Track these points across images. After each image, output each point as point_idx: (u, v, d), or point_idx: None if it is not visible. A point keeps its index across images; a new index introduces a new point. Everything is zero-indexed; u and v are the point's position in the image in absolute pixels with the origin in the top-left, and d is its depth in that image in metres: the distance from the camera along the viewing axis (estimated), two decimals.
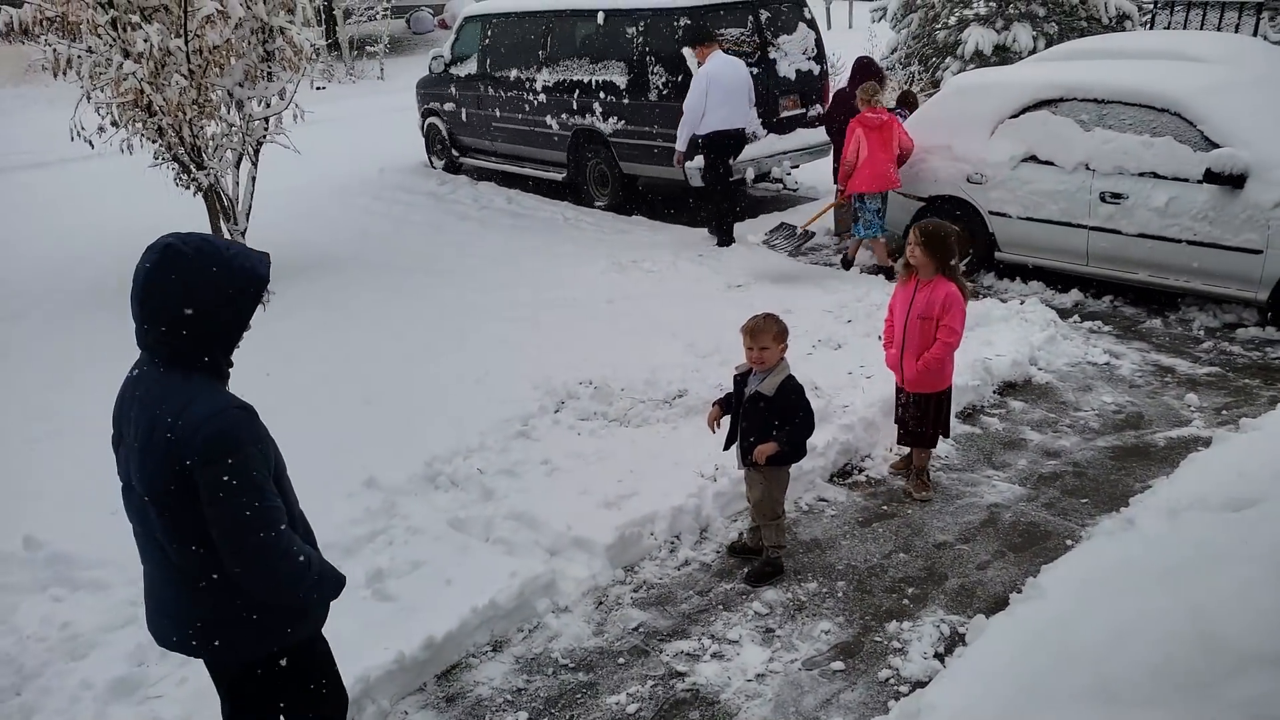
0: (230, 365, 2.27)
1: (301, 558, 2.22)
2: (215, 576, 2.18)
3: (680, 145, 8.01)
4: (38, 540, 4.11)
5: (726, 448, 3.97)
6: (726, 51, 8.10)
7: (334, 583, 2.35)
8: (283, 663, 2.38)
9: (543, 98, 9.96)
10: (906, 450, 4.72)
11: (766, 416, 3.75)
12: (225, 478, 2.06)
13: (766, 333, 3.72)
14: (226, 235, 7.61)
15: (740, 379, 3.86)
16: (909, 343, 4.33)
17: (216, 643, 2.28)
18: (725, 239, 8.24)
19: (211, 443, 2.06)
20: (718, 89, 7.71)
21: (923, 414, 4.43)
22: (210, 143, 7.31)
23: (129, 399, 2.22)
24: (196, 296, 2.10)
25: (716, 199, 8.28)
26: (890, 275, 7.35)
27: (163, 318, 2.12)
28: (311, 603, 2.35)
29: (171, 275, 2.09)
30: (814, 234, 8.01)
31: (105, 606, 3.77)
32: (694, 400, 5.23)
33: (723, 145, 7.95)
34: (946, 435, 4.59)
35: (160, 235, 2.19)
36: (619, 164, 9.40)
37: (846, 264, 7.73)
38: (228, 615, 2.24)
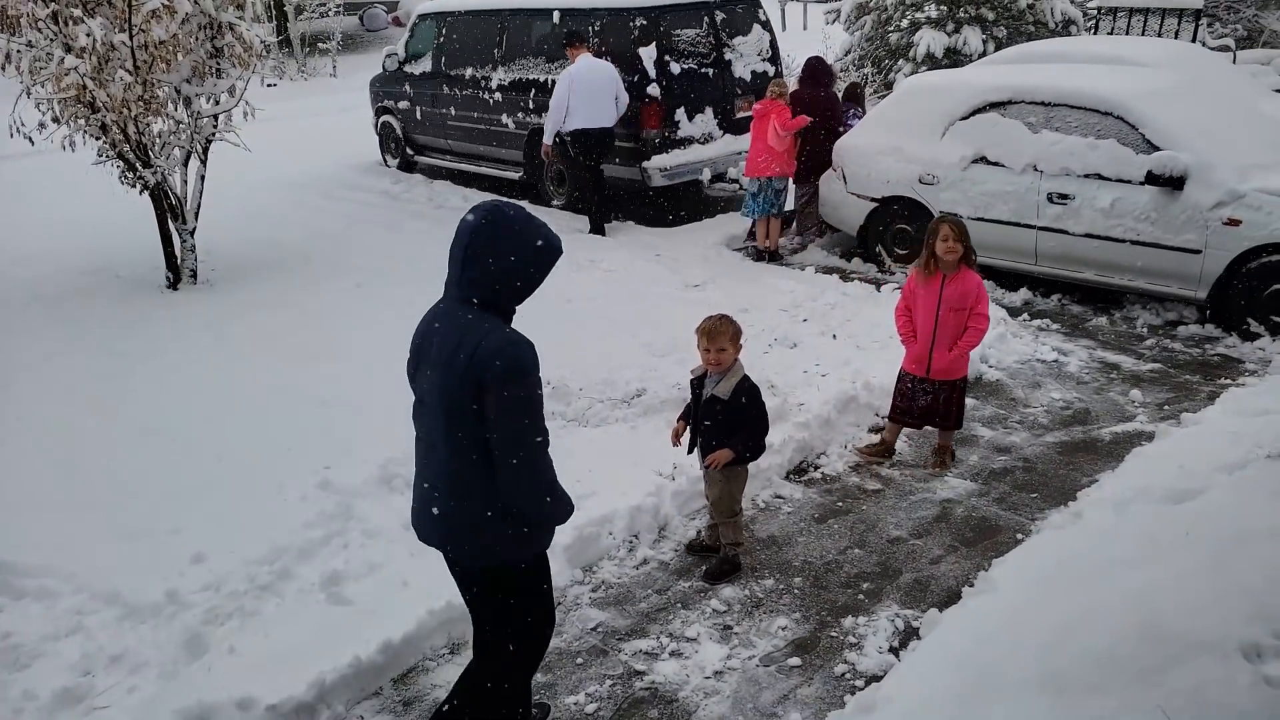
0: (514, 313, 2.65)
1: (554, 476, 2.60)
2: (483, 486, 2.54)
3: (546, 139, 8.46)
4: None
5: (690, 451, 3.98)
6: (603, 55, 8.48)
7: (567, 507, 2.68)
8: (519, 569, 2.72)
9: (498, 96, 9.90)
10: (875, 439, 4.97)
11: (723, 419, 3.78)
12: (515, 396, 2.46)
13: (723, 334, 3.74)
14: (174, 235, 7.47)
15: (697, 382, 3.88)
16: (941, 334, 4.55)
17: (469, 545, 2.65)
18: (597, 228, 8.65)
19: (508, 367, 2.44)
20: (580, 89, 8.12)
21: (951, 398, 4.68)
22: (157, 140, 7.16)
23: (432, 332, 2.61)
24: (513, 256, 2.51)
25: (586, 192, 8.70)
26: (760, 256, 7.99)
27: (480, 267, 2.52)
28: (550, 519, 2.69)
29: (497, 235, 2.50)
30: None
31: (50, 615, 3.69)
32: (652, 399, 5.25)
33: (587, 142, 8.31)
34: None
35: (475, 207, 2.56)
36: None
37: (772, 254, 8.00)
38: (485, 522, 2.59)
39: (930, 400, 4.69)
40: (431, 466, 2.64)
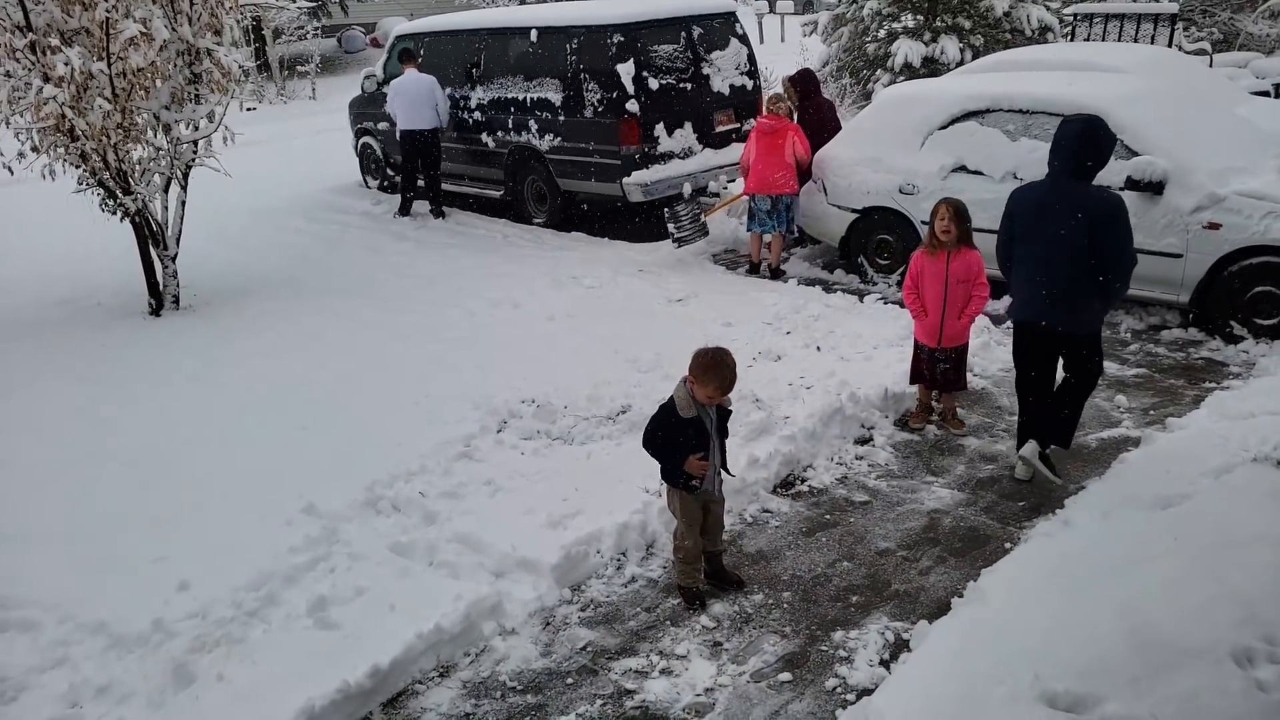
0: None
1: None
2: (1091, 284, 4.16)
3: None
4: None
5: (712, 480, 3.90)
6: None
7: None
8: (1099, 334, 4.43)
9: (478, 115, 9.93)
10: (918, 402, 5.39)
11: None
12: (1124, 232, 4.08)
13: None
14: (156, 261, 7.44)
15: (696, 420, 3.79)
16: (950, 305, 5.06)
17: (1082, 317, 4.28)
18: (404, 211, 10.40)
19: (1116, 212, 4.09)
20: (402, 98, 9.79)
21: (958, 362, 5.18)
22: (137, 167, 7.14)
23: (1048, 200, 4.20)
24: (1105, 147, 4.15)
25: (403, 180, 10.40)
26: (761, 270, 7.94)
27: (1089, 155, 4.10)
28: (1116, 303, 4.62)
29: (1096, 135, 4.11)
30: (708, 233, 8.47)
31: (35, 647, 3.64)
32: (637, 416, 5.23)
33: (412, 141, 9.93)
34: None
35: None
36: (557, 181, 9.39)
37: (775, 271, 7.88)
38: (1089, 309, 4.28)
39: (946, 368, 5.16)
40: (1053, 276, 4.20)
